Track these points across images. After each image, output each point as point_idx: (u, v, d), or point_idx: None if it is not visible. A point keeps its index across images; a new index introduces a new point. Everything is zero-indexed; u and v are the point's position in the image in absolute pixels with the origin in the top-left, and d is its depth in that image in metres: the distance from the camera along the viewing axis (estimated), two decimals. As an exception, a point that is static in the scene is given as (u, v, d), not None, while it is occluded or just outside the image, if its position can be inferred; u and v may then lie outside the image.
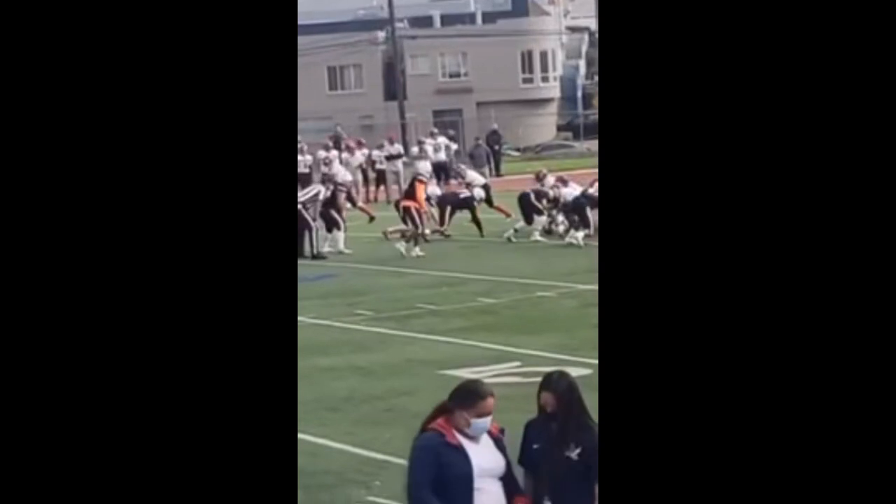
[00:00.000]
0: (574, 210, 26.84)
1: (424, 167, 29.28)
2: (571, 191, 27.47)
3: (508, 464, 6.99)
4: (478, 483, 6.87)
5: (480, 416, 6.88)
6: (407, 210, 26.64)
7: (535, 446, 7.23)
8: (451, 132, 46.89)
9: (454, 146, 43.60)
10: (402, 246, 25.89)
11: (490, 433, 6.97)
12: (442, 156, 41.13)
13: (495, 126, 49.41)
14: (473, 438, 6.89)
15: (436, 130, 44.86)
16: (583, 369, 12.70)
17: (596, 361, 13.89)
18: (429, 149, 41.11)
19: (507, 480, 6.99)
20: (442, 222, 28.48)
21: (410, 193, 27.22)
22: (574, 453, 7.09)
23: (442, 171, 39.29)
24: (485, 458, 6.90)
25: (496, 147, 45.45)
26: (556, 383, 7.26)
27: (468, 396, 6.94)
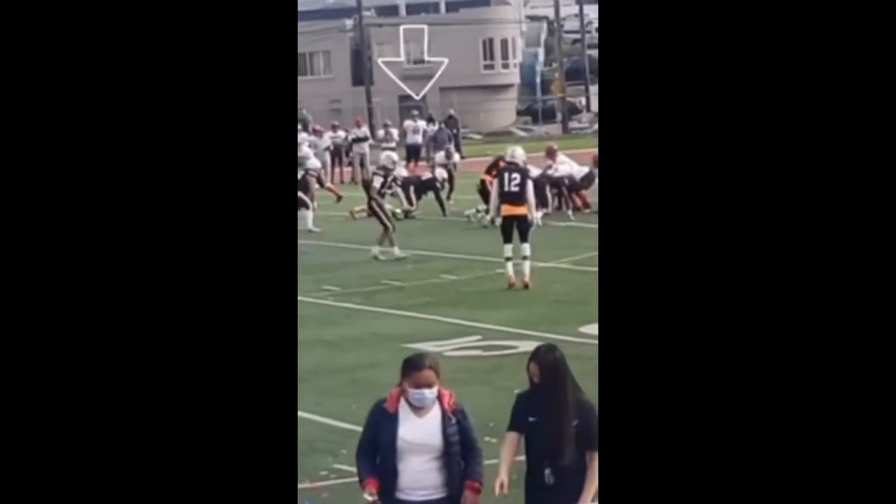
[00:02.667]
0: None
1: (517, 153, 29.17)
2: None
3: (450, 443, 6.93)
4: (404, 454, 6.88)
5: (419, 386, 6.88)
6: (483, 183, 26.98)
7: (529, 418, 7.21)
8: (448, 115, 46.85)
9: (434, 128, 43.25)
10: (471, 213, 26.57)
11: (445, 411, 6.94)
12: (419, 139, 40.89)
13: (452, 111, 49.33)
14: (420, 409, 6.90)
15: (416, 113, 44.70)
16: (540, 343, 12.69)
17: (550, 334, 14.00)
18: (394, 132, 40.96)
19: (448, 461, 6.93)
20: (410, 202, 28.45)
21: (490, 170, 27.36)
22: (562, 423, 7.07)
23: (414, 154, 39.12)
24: (413, 432, 6.88)
25: (454, 131, 45.38)
26: (542, 356, 7.25)
27: (408, 368, 6.96)
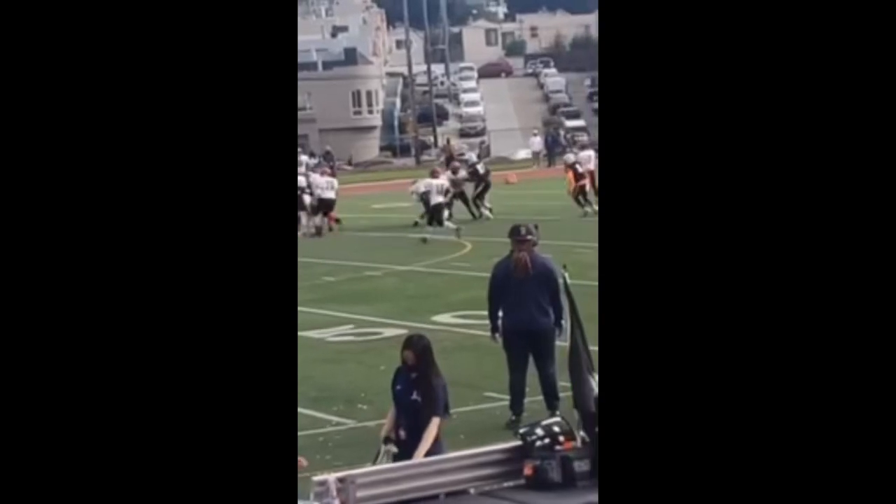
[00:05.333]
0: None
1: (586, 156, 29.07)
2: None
3: None
4: None
5: None
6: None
7: (397, 387, 7.44)
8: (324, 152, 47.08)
9: (314, 161, 43.67)
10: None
11: None
12: (302, 169, 41.35)
13: (328, 147, 49.93)
14: None
15: (300, 149, 45.07)
16: (400, 330, 13.09)
17: (408, 322, 14.27)
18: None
19: None
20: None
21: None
22: (420, 397, 7.30)
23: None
24: None
25: (331, 163, 45.64)
26: (415, 343, 7.45)
27: None
